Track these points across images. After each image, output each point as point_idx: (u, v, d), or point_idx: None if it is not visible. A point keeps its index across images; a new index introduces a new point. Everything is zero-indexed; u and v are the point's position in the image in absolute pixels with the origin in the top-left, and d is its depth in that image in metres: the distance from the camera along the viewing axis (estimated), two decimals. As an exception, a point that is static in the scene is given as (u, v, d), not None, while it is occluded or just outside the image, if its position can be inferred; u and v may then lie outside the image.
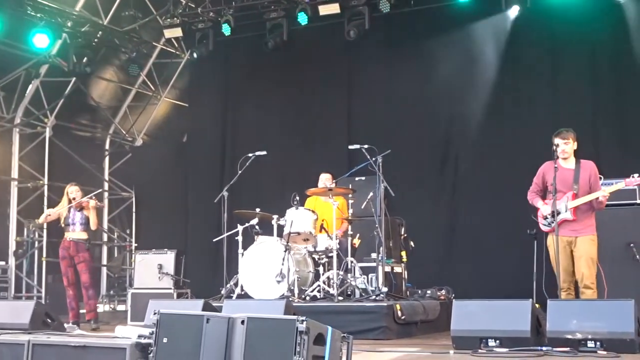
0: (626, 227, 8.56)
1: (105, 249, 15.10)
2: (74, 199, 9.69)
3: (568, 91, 11.39)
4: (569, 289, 7.36)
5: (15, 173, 13.38)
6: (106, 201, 14.81)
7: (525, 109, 11.54)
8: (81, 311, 9.90)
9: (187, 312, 4.86)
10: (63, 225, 9.78)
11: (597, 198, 7.29)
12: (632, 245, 8.46)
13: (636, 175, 7.35)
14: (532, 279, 7.74)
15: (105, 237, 14.98)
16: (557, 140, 7.44)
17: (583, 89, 11.33)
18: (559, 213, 7.33)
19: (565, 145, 7.44)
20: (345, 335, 4.68)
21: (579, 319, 6.19)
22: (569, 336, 6.14)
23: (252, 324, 4.46)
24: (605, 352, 5.96)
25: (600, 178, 7.68)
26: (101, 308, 13.48)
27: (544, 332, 6.34)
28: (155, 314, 4.69)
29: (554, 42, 11.57)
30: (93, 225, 9.69)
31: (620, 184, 7.40)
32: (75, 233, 9.67)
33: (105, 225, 14.83)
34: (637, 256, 8.38)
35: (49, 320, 7.99)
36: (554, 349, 6.13)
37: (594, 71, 11.35)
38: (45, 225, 13.06)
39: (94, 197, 9.72)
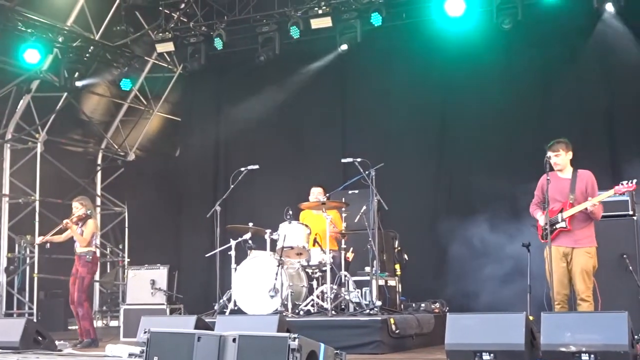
0: (619, 239, 8.55)
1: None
2: (73, 214, 9.70)
3: (561, 99, 11.42)
4: (562, 301, 7.32)
5: (6, 189, 13.31)
6: (98, 216, 14.71)
7: (520, 120, 11.54)
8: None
9: (177, 330, 4.82)
10: None
11: (587, 208, 7.27)
12: (625, 256, 8.45)
13: (624, 182, 7.33)
14: (527, 292, 7.72)
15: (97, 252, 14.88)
16: (548, 153, 7.46)
17: (575, 97, 11.35)
18: (553, 224, 7.31)
19: (556, 158, 7.45)
20: (338, 352, 4.66)
21: (572, 331, 6.16)
22: (563, 349, 6.10)
23: (244, 341, 4.43)
24: (599, 365, 5.94)
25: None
26: (94, 324, 13.38)
27: (538, 345, 6.31)
28: (145, 332, 4.65)
29: (546, 50, 11.62)
30: (80, 243, 9.63)
31: (609, 192, 7.38)
32: (78, 248, 9.67)
33: (98, 240, 14.73)
34: (630, 267, 8.37)
35: (40, 338, 7.95)
36: (549, 362, 6.11)
37: (585, 78, 11.39)
38: (36, 241, 12.98)
39: (70, 220, 9.62)
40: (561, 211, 7.36)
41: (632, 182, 7.31)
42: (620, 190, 7.34)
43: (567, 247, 7.32)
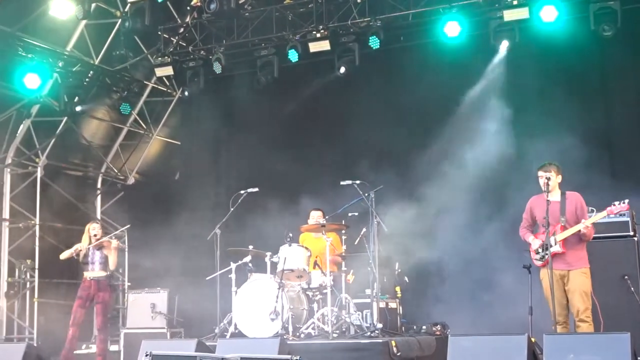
0: (620, 260, 8.59)
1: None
2: (95, 236, 9.70)
3: (559, 122, 11.45)
4: (564, 322, 7.34)
5: (6, 213, 13.27)
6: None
7: (518, 141, 11.57)
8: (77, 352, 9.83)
9: (179, 353, 4.81)
10: (82, 264, 9.78)
11: (580, 230, 7.28)
12: (626, 277, 8.46)
13: (617, 202, 7.34)
14: (528, 313, 7.71)
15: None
16: (539, 173, 7.50)
17: (574, 118, 11.40)
18: (549, 246, 7.31)
19: (546, 179, 7.46)
20: (340, 374, 4.64)
21: (575, 352, 6.17)
22: (566, 371, 6.10)
23: (246, 364, 4.41)
24: (602, 386, 5.92)
25: (593, 211, 7.70)
26: (94, 348, 13.31)
27: (540, 367, 6.31)
28: (147, 355, 4.64)
29: (544, 74, 11.67)
30: (112, 265, 9.75)
31: (601, 214, 7.40)
32: (95, 272, 9.70)
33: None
34: (632, 288, 8.37)
35: (41, 363, 7.92)
36: (551, 384, 6.08)
37: (583, 101, 11.44)
38: (37, 265, 12.96)
39: (114, 237, 9.72)
40: (553, 234, 7.36)
41: (624, 202, 7.34)
42: (613, 211, 7.37)
43: (562, 270, 7.34)
